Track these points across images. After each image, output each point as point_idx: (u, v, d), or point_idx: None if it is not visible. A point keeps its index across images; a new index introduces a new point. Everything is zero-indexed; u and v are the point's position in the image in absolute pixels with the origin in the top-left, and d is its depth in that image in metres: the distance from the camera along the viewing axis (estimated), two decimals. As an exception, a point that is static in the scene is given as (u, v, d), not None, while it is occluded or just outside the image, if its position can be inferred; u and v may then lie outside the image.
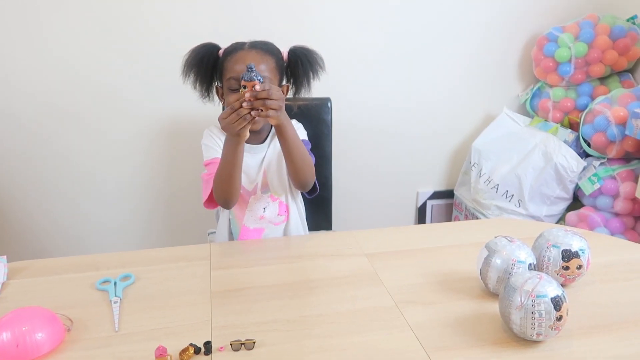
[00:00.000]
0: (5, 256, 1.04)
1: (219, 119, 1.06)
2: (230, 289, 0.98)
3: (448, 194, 2.28)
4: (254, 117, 1.02)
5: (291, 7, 1.85)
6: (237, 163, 1.11)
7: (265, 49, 1.20)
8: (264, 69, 1.16)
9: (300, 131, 1.31)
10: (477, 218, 2.06)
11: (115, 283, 0.99)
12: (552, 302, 0.77)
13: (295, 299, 0.95)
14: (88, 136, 1.85)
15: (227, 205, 1.20)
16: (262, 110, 1.01)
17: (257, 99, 1.00)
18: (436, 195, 2.28)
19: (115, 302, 0.93)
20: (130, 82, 1.82)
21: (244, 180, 1.25)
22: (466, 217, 2.17)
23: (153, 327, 0.86)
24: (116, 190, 1.94)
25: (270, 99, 1.00)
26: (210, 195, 1.20)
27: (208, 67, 1.22)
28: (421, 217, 2.30)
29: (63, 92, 1.79)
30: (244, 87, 1.01)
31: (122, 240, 2.01)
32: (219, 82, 1.26)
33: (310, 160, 1.21)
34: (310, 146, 1.31)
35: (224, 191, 1.15)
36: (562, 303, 0.78)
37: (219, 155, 1.18)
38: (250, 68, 1.01)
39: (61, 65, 1.75)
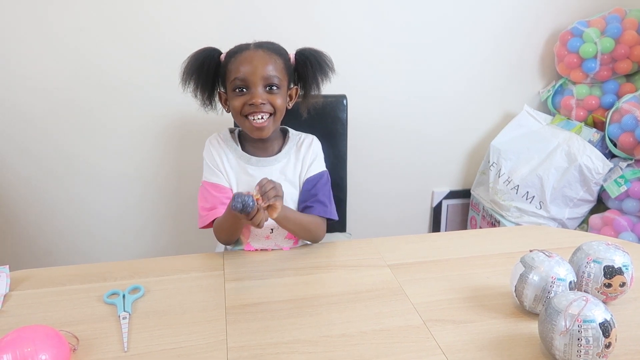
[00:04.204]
0: (7, 265, 0.99)
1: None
2: (246, 303, 0.92)
3: (464, 194, 2.21)
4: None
5: (303, 4, 1.77)
6: (240, 229, 1.12)
7: (272, 48, 1.12)
8: (272, 69, 1.09)
9: (318, 160, 1.23)
10: (495, 219, 1.99)
11: (124, 296, 0.93)
12: (600, 327, 0.70)
13: (315, 316, 0.88)
14: (94, 135, 1.79)
15: (226, 244, 1.21)
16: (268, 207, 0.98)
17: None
18: (452, 194, 2.20)
19: (124, 318, 0.87)
20: (136, 82, 1.74)
21: None
22: (483, 218, 2.09)
23: (164, 347, 0.80)
24: (124, 189, 1.88)
25: (278, 195, 0.99)
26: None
27: (209, 72, 1.13)
28: (436, 217, 2.23)
29: (70, 91, 1.72)
30: (244, 212, 0.95)
31: (130, 240, 1.96)
32: (221, 87, 1.17)
33: (318, 225, 1.17)
34: (327, 176, 1.23)
35: (224, 239, 1.16)
36: (611, 329, 0.71)
37: (216, 180, 1.15)
38: (239, 194, 0.93)
39: (68, 63, 1.69)
